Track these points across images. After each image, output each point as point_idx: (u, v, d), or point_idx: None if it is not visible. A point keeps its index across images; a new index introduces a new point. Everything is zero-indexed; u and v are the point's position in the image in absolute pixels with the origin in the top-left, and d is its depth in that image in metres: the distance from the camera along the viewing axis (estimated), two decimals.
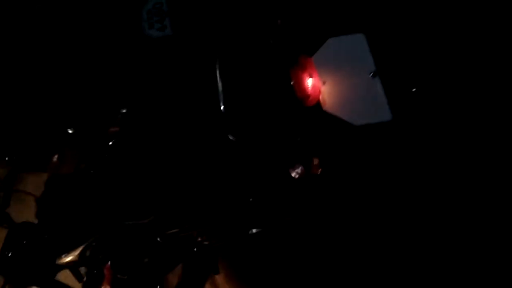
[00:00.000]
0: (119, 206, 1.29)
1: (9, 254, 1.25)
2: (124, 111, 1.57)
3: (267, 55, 1.23)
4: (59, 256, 1.32)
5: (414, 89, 1.49)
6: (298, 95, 1.19)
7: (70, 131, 1.66)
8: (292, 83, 1.17)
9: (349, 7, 1.61)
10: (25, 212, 1.51)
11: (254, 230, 1.45)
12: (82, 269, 1.46)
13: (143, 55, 1.67)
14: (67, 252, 1.33)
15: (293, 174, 1.21)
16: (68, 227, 1.31)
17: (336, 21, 1.54)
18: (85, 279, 1.42)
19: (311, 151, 1.23)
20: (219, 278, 1.89)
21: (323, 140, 1.25)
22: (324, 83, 1.28)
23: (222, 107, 1.14)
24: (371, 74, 1.27)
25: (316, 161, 1.22)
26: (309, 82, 1.20)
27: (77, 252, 1.35)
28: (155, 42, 1.65)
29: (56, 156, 1.68)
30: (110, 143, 1.43)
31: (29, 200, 1.46)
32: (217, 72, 1.17)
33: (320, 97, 1.26)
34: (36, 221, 1.36)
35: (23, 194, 1.49)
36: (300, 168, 1.20)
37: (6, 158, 1.73)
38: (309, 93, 1.20)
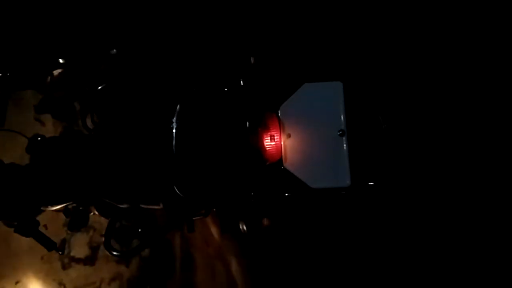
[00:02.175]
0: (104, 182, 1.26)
1: None
2: (113, 51, 1.64)
3: (232, 104, 1.17)
4: (45, 205, 1.32)
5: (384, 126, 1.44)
6: (257, 153, 1.14)
7: (61, 61, 1.77)
8: (252, 141, 1.12)
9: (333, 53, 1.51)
10: (13, 151, 1.56)
11: None
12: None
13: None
14: (52, 204, 1.33)
15: (240, 227, 1.19)
16: (57, 185, 1.30)
17: (317, 65, 1.45)
18: (70, 217, 1.47)
19: (264, 209, 1.20)
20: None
21: (278, 199, 1.21)
22: (289, 136, 1.23)
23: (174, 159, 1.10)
24: (339, 133, 1.22)
25: (266, 222, 1.19)
26: (270, 143, 1.15)
27: (62, 205, 1.36)
28: None
29: (49, 78, 1.82)
30: (99, 87, 1.41)
31: (17, 139, 1.46)
32: (175, 117, 1.11)
33: (282, 151, 1.21)
34: (23, 163, 1.34)
35: (12, 133, 1.48)
36: (243, 225, 1.17)
37: (0, 75, 1.76)
38: (268, 153, 1.15)
